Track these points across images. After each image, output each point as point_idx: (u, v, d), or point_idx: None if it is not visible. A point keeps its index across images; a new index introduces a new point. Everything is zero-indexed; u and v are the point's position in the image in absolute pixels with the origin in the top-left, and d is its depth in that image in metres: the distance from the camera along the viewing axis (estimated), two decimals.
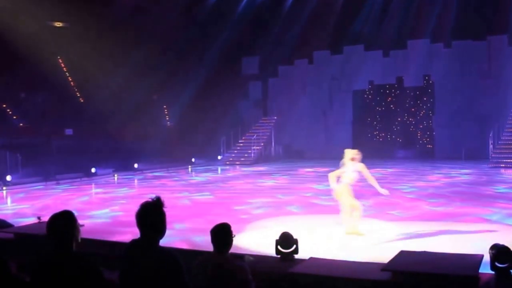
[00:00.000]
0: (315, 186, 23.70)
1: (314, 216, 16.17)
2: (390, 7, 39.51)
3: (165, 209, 4.85)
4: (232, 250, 5.72)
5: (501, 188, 22.31)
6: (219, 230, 5.62)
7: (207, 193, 22.39)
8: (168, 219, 4.87)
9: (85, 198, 21.82)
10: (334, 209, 14.14)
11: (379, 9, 40.01)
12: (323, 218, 15.51)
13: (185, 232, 13.66)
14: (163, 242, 4.90)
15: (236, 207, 18.15)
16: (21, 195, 23.07)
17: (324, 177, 24.92)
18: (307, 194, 21.04)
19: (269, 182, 26.66)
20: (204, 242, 10.44)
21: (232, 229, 5.66)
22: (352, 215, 12.82)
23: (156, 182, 27.66)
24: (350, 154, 13.35)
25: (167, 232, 4.91)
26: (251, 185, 25.67)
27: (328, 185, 13.23)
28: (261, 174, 30.64)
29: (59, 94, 38.66)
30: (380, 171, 28.50)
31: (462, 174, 27.64)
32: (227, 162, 38.09)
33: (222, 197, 21.19)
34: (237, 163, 37.56)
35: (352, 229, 12.80)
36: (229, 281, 5.41)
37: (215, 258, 5.54)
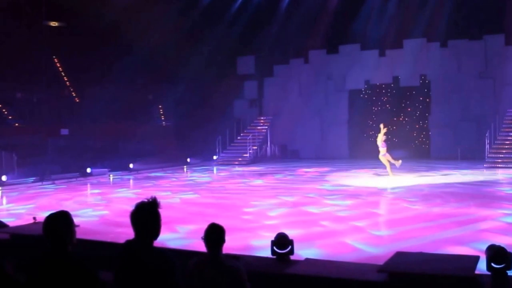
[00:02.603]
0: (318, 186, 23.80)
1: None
2: (386, 6, 39.45)
3: (160, 210, 4.83)
4: (227, 251, 5.71)
5: (497, 188, 22.34)
6: (211, 231, 5.60)
7: (202, 193, 22.37)
8: (163, 220, 4.86)
9: (81, 198, 21.80)
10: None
11: (375, 8, 39.92)
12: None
13: (181, 233, 13.66)
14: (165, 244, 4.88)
15: (234, 207, 18.16)
16: (17, 195, 23.06)
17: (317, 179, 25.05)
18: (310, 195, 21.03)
19: (266, 182, 26.63)
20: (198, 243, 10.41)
21: (226, 229, 5.65)
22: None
23: (151, 182, 27.61)
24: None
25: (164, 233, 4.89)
26: (247, 184, 25.65)
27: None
28: (258, 174, 30.60)
29: (55, 94, 38.65)
30: (375, 171, 28.59)
31: (458, 174, 27.65)
32: (223, 162, 38.02)
33: (218, 198, 21.16)
34: (233, 163, 37.46)
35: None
36: (224, 282, 5.39)
37: (209, 259, 5.51)
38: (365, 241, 12.39)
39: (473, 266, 7.47)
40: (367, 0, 39.93)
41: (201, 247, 5.69)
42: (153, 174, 31.55)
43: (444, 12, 36.76)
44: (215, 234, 5.56)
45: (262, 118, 43.10)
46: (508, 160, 30.99)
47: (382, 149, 25.97)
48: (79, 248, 4.89)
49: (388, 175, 26.05)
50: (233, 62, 44.00)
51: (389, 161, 26.18)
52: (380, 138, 26.24)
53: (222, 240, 5.56)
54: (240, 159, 38.26)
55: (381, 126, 26.37)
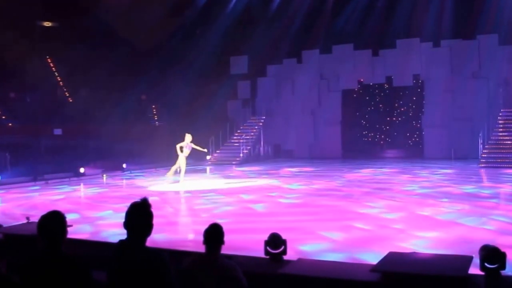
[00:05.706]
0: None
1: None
2: (379, 6, 39.49)
3: (151, 210, 4.86)
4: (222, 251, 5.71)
5: (489, 188, 22.37)
6: (212, 231, 5.63)
7: (197, 193, 22.34)
8: (155, 220, 4.87)
9: (74, 198, 21.76)
10: None
11: (368, 8, 39.94)
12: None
13: (174, 232, 13.65)
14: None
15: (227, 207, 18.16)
16: (10, 195, 22.99)
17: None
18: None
19: (260, 182, 26.60)
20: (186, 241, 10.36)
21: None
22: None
23: (145, 182, 27.56)
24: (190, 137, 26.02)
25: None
26: (244, 185, 25.63)
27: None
28: (252, 174, 30.61)
29: (48, 94, 38.59)
30: (371, 171, 28.61)
31: (452, 174, 27.68)
32: (216, 162, 37.99)
33: (213, 197, 21.13)
34: (227, 163, 37.43)
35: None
36: (221, 281, 5.40)
37: (206, 259, 5.53)
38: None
39: (466, 266, 7.46)
40: (360, 0, 39.97)
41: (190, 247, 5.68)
42: (146, 174, 31.49)
43: (437, 12, 36.82)
44: (215, 233, 5.62)
45: (255, 118, 43.06)
46: (501, 160, 31.05)
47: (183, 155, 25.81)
48: (72, 248, 4.90)
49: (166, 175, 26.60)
50: (226, 61, 43.95)
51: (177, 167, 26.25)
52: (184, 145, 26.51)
53: (221, 240, 5.63)
54: (238, 159, 38.22)
55: (187, 136, 26.66)
